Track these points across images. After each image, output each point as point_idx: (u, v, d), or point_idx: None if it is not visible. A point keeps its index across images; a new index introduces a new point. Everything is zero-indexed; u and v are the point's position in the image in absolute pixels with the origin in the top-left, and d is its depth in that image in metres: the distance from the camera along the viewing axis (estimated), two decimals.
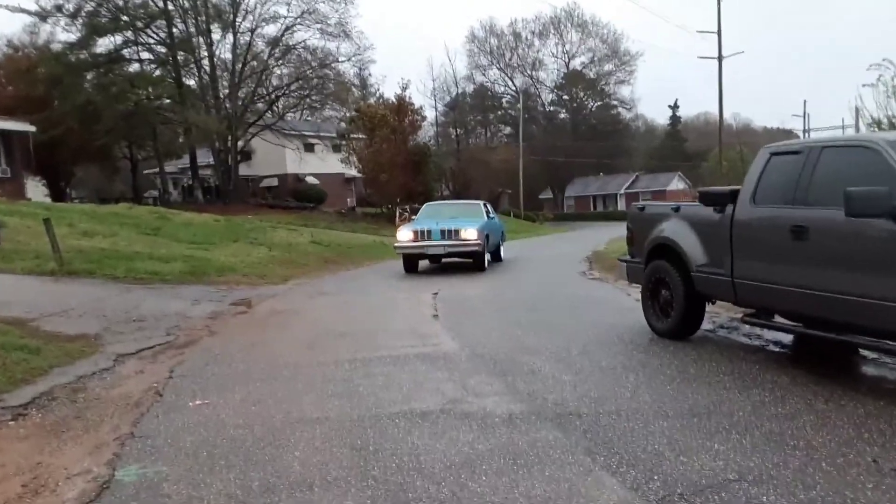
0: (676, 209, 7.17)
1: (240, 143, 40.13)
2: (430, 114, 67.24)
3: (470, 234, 14.16)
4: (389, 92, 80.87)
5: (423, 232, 14.25)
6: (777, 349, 6.61)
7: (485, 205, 16.90)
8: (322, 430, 4.49)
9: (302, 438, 4.35)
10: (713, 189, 7.04)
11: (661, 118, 79.80)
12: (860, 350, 5.99)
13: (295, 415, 4.86)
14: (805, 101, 65.89)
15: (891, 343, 4.84)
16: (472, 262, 14.80)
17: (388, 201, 36.14)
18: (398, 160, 34.55)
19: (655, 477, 3.53)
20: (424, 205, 17.48)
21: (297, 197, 40.67)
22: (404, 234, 14.50)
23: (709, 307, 7.25)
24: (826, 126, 54.38)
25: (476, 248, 14.15)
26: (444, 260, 14.97)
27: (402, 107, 36.28)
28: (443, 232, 14.11)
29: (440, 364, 6.24)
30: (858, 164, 5.06)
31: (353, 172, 40.17)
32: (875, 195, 4.66)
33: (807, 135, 47.89)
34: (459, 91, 73.12)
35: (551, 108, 75.82)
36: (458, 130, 72.34)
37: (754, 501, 3.24)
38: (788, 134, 50.10)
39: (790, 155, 5.89)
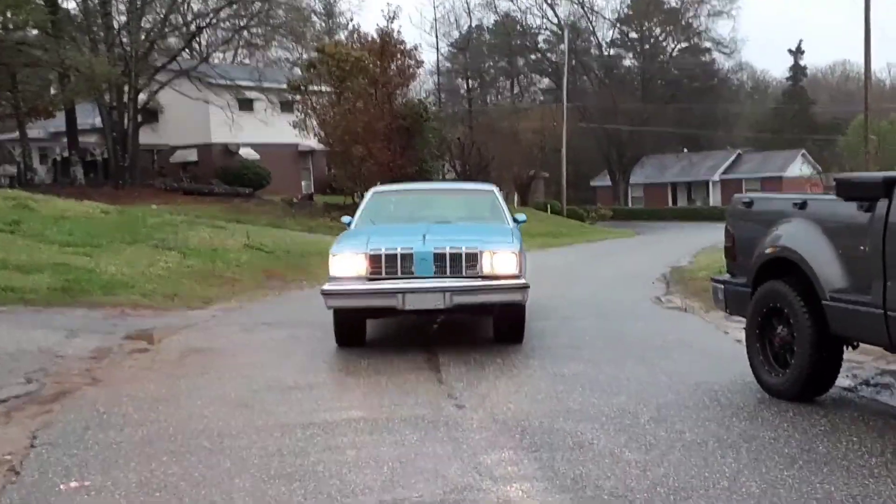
0: (802, 205, 7.18)
1: (141, 97, 40.34)
2: (429, 58, 67.62)
3: (504, 261, 9.27)
4: (369, 25, 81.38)
5: (390, 256, 9.09)
6: None
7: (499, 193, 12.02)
8: None
9: None
10: (857, 176, 7.06)
11: (778, 70, 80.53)
12: None
13: None
14: None
15: None
16: (494, 326, 10.00)
17: (363, 186, 36.24)
18: (379, 126, 34.70)
19: None
20: (371, 191, 12.08)
21: (227, 179, 40.89)
22: (344, 262, 9.32)
23: (848, 353, 7.22)
24: None
25: (515, 295, 9.26)
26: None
27: (386, 47, 36.52)
28: (439, 257, 9.11)
29: (440, 432, 6.24)
30: None
31: (311, 143, 40.29)
32: None
33: None
34: (474, 24, 73.63)
35: (611, 53, 76.18)
36: (472, 83, 72.62)
37: None
38: None
39: None
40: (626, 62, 76.16)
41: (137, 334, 10.98)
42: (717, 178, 68.52)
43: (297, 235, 26.92)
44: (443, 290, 8.93)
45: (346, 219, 11.33)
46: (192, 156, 44.96)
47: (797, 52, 74.86)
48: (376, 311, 9.68)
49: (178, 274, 16.69)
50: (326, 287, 9.18)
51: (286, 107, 40.65)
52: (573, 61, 64.45)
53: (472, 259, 9.07)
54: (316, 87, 36.88)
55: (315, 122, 36.39)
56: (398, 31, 37.77)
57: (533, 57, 75.85)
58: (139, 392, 7.85)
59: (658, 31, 74.24)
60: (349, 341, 9.69)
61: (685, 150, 72.31)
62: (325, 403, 7.25)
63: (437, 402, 7.16)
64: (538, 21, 74.97)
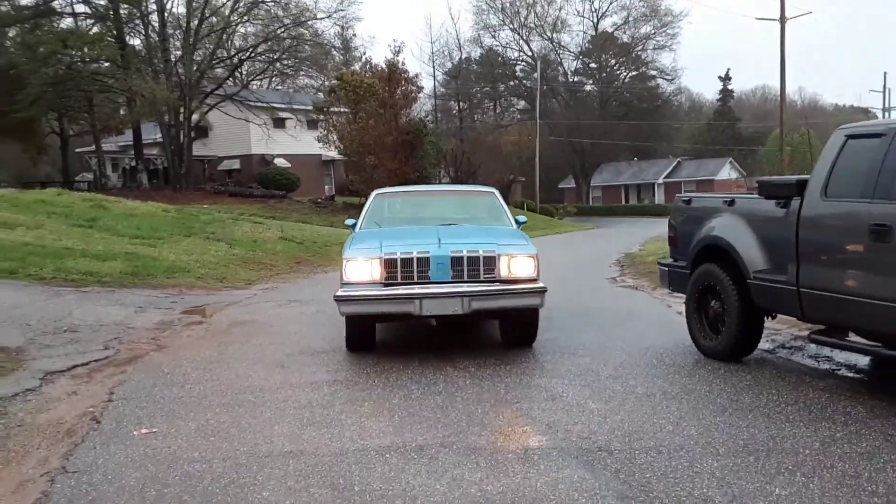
0: (730, 203, 7.21)
1: (194, 117, 40.20)
2: (427, 84, 67.44)
3: (522, 265, 7.44)
4: (378, 57, 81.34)
5: (406, 261, 7.34)
6: (851, 374, 6.64)
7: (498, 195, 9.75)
8: (296, 467, 4.50)
9: (272, 476, 4.37)
10: (776, 179, 7.08)
11: (710, 92, 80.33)
12: None
13: (263, 448, 4.87)
14: (885, 74, 65.96)
15: None
16: (502, 330, 8.19)
17: (374, 189, 36.18)
18: (388, 140, 34.65)
19: None
20: (374, 194, 9.65)
21: (264, 183, 40.74)
22: (358, 268, 7.42)
23: (768, 322, 7.26)
24: None
25: (534, 300, 7.41)
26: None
27: (393, 75, 36.39)
28: (457, 261, 7.33)
29: (439, 387, 6.27)
30: None
31: (332, 154, 40.27)
32: None
33: (888, 114, 47.98)
34: (464, 57, 73.46)
35: (575, 80, 75.99)
36: (462, 105, 72.50)
37: None
38: (865, 113, 50.22)
39: (870, 138, 5.91)
40: (588, 87, 75.87)
41: (193, 310, 10.99)
42: (661, 181, 68.59)
43: (322, 229, 26.86)
44: (461, 295, 7.08)
45: (349, 221, 9.24)
46: (236, 164, 44.84)
47: (726, 79, 74.78)
48: (391, 317, 7.66)
49: (225, 261, 16.68)
50: (340, 293, 7.20)
51: (312, 124, 40.66)
52: (544, 86, 64.31)
53: (490, 263, 7.23)
54: (336, 109, 36.88)
55: (335, 137, 36.50)
56: (402, 62, 37.80)
57: (511, 83, 75.56)
58: (195, 356, 7.88)
59: (613, 62, 74.00)
60: (360, 346, 7.77)
61: (635, 158, 72.40)
62: (346, 365, 7.27)
63: (437, 364, 7.17)
64: (516, 54, 74.79)
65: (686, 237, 7.72)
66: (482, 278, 7.23)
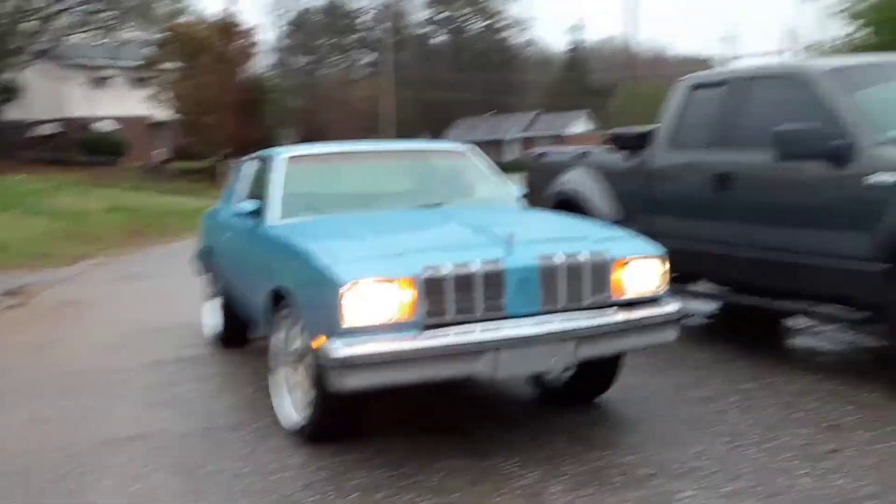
0: (584, 155, 7.51)
1: (3, 77, 37.63)
2: (269, 36, 65.80)
3: (648, 273, 4.41)
4: (214, 6, 78.17)
5: (464, 279, 3.98)
6: (702, 320, 7.12)
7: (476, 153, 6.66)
8: (143, 451, 4.45)
9: (114, 463, 4.30)
10: (627, 130, 7.42)
11: (561, 44, 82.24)
12: (790, 319, 6.57)
13: (105, 433, 4.78)
14: (733, 23, 69.79)
15: (827, 308, 5.35)
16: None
17: (215, 152, 35.21)
18: (227, 98, 33.75)
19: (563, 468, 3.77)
20: (284, 157, 5.77)
21: (89, 148, 38.82)
22: (374, 298, 3.88)
23: None
24: (759, 52, 57.91)
25: (669, 333, 4.46)
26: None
27: (228, 27, 35.37)
28: (548, 273, 4.13)
29: None
30: (789, 97, 5.50)
31: (163, 114, 38.75)
32: (806, 134, 5.10)
33: (733, 63, 50.85)
34: (306, 6, 71.99)
35: (426, 30, 76.15)
36: (306, 58, 71.25)
37: (675, 498, 3.55)
38: (705, 63, 52.91)
39: (713, 88, 6.31)
40: (439, 38, 76.24)
41: (13, 290, 10.44)
42: (518, 135, 70.04)
43: (156, 198, 25.93)
44: (568, 338, 4.10)
45: (246, 205, 5.47)
46: (56, 129, 42.42)
47: (576, 30, 77.13)
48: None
49: (47, 236, 15.87)
50: (343, 350, 3.80)
51: (141, 82, 38.94)
52: (395, 37, 64.10)
53: (602, 274, 4.23)
54: (168, 65, 35.50)
55: (169, 96, 35.14)
56: (238, 13, 36.73)
57: (360, 34, 74.91)
58: (21, 341, 7.56)
59: (465, 11, 74.60)
60: (337, 431, 4.44)
61: (492, 112, 73.47)
62: (191, 341, 7.14)
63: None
64: (363, 2, 74.15)
65: (542, 191, 7.98)
66: (590, 302, 4.20)
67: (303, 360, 4.32)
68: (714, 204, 5.91)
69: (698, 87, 6.47)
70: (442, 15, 75.38)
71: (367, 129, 57.79)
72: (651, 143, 6.61)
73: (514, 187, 6.01)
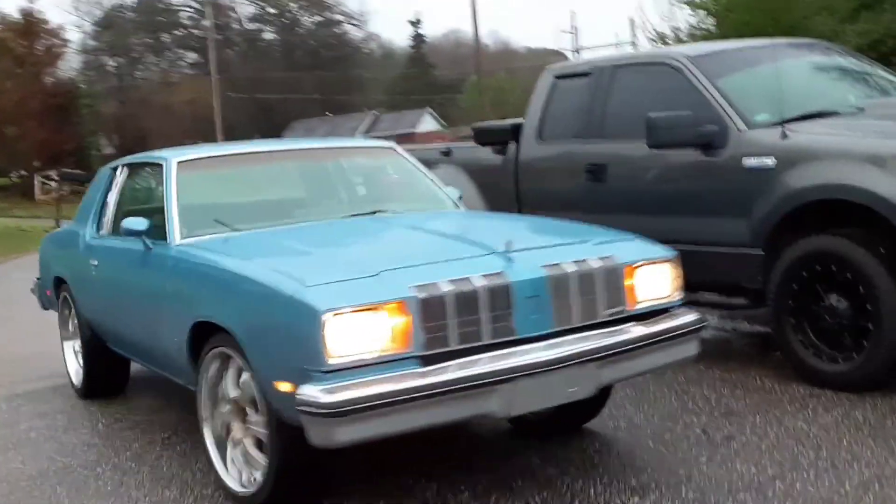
0: (447, 153, 7.59)
1: None
2: (74, 37, 62.98)
3: (660, 279, 4.01)
4: (9, 6, 74.10)
5: (467, 298, 3.47)
6: None
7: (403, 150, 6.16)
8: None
9: None
10: (490, 124, 7.56)
11: (401, 38, 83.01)
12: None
13: None
14: (573, 13, 72.48)
15: (710, 296, 5.65)
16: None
17: (21, 166, 33.46)
18: (32, 105, 32.15)
19: None
20: (173, 162, 4.90)
21: None
22: (363, 326, 3.30)
23: None
24: (600, 44, 60.39)
25: (690, 347, 4.02)
26: None
27: (31, 26, 33.74)
28: (560, 284, 3.67)
29: (153, 383, 6.07)
30: (658, 85, 5.79)
31: None
32: (678, 121, 5.37)
33: (577, 54, 52.82)
34: (117, 2, 69.41)
35: (253, 27, 75.02)
36: (118, 60, 68.65)
37: (578, 498, 3.67)
38: (557, 55, 54.84)
39: (578, 78, 6.56)
40: (268, 35, 75.31)
41: None
42: (359, 136, 70.09)
43: None
44: (591, 360, 3.64)
45: (133, 223, 4.61)
46: None
47: (416, 24, 77.90)
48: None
49: None
50: (334, 397, 3.19)
51: None
52: (219, 35, 62.76)
53: (615, 282, 3.82)
54: None
55: None
56: (41, 12, 35.06)
57: (177, 32, 72.94)
58: None
59: (294, 5, 74.02)
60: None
61: (328, 114, 73.16)
62: (24, 375, 6.78)
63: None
64: None
65: None
66: (604, 317, 3.77)
67: (245, 413, 3.78)
68: (587, 197, 6.11)
69: (563, 77, 6.69)
70: (270, 10, 74.46)
71: (195, 134, 56.48)
72: (517, 137, 6.76)
73: (450, 189, 5.43)
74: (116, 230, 5.21)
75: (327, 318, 3.16)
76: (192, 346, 4.01)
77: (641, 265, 3.87)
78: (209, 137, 55.64)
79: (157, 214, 4.62)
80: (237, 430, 3.86)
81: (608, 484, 3.77)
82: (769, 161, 5.01)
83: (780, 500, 3.47)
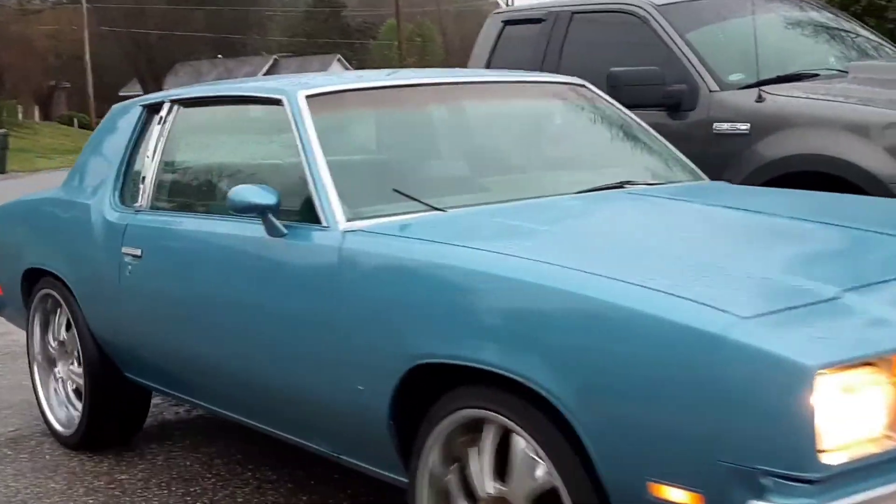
0: None
1: None
2: None
3: None
4: None
5: None
6: None
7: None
8: None
9: None
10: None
11: None
12: None
13: None
14: None
15: None
16: None
17: None
18: None
19: None
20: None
21: None
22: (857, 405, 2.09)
23: None
24: None
25: None
26: None
27: None
28: None
29: None
30: (621, 36, 5.93)
31: None
32: (643, 78, 5.50)
33: (510, 2, 53.21)
34: None
35: None
36: None
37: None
38: None
39: (529, 24, 6.66)
40: None
41: None
42: None
43: None
44: None
45: (249, 192, 3.15)
46: None
47: None
48: None
49: None
50: None
51: None
52: None
53: None
54: None
55: None
56: None
57: None
58: None
59: None
60: None
61: (220, 56, 72.07)
62: None
63: None
64: None
65: None
66: None
67: None
68: None
69: (512, 23, 6.79)
70: None
71: (54, 73, 55.14)
72: None
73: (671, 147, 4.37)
74: (164, 203, 4.16)
75: (820, 381, 1.99)
76: (395, 407, 2.77)
77: None
78: (76, 79, 54.56)
79: (273, 178, 3.42)
80: None
81: None
82: (743, 127, 5.18)
83: None
